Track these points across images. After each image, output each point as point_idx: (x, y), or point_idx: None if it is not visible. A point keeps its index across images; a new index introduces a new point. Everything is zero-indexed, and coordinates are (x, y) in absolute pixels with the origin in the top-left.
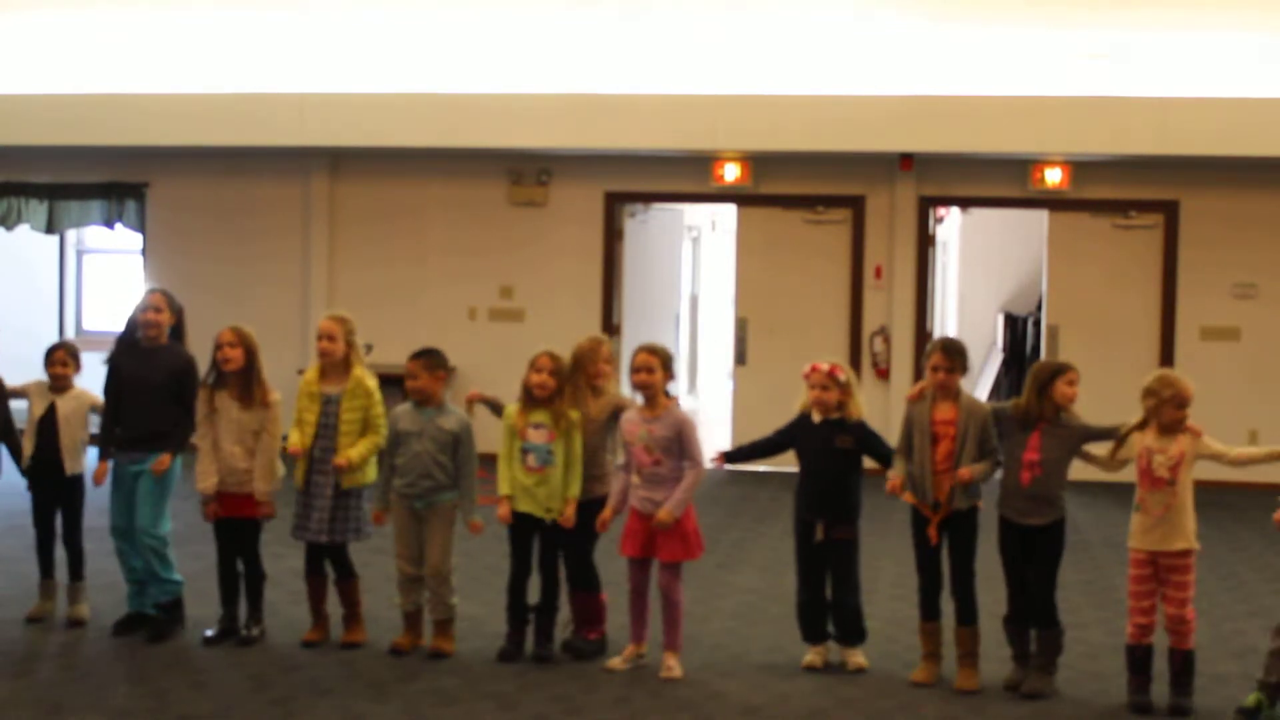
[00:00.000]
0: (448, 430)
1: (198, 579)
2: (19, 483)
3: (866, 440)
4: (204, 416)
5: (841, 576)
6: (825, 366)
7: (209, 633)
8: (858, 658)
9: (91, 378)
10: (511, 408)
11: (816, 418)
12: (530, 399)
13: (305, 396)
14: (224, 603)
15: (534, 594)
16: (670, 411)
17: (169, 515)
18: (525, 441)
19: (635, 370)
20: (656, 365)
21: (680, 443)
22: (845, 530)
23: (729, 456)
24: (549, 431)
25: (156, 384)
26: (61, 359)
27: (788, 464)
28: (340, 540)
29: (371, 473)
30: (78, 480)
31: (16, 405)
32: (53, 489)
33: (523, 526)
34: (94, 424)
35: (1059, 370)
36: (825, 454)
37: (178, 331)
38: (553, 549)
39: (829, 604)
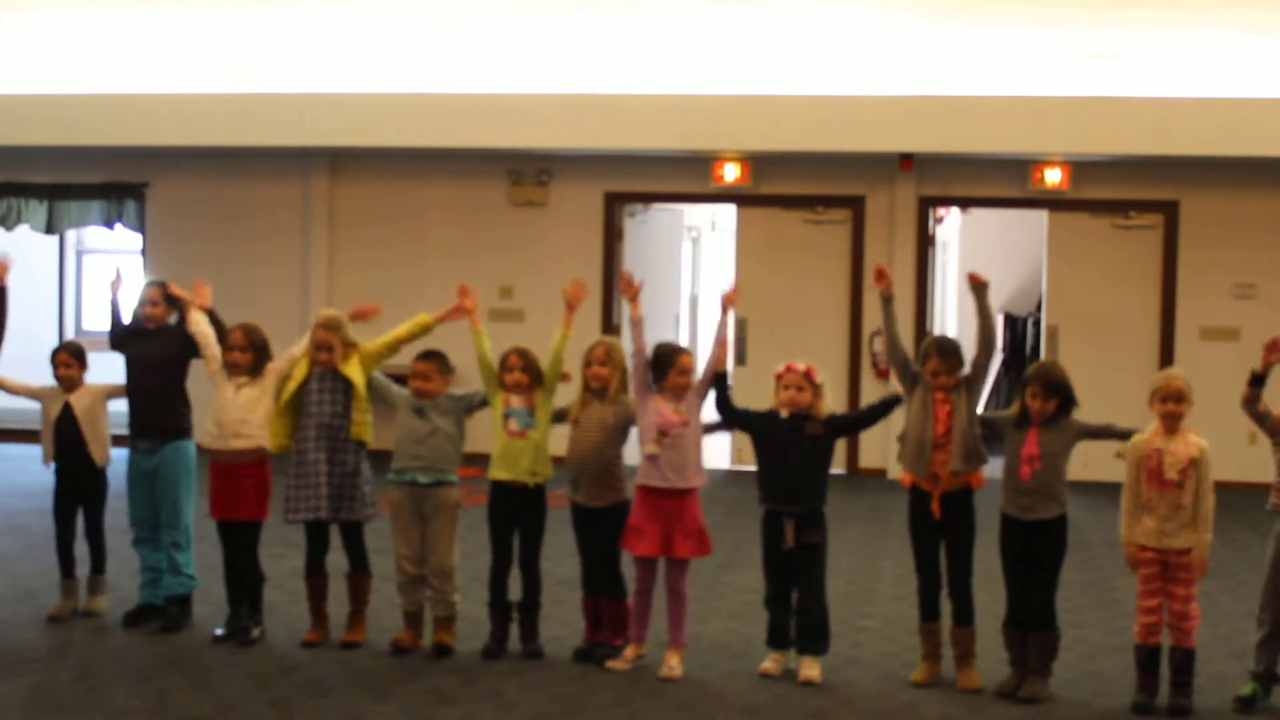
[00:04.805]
0: (450, 411)
1: (200, 578)
2: (18, 483)
3: (836, 422)
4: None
5: (808, 581)
6: (801, 367)
7: (219, 631)
8: (812, 670)
9: (99, 375)
10: (495, 389)
11: (785, 414)
12: (506, 390)
13: (298, 368)
14: (231, 602)
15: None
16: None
17: (190, 508)
18: (507, 407)
19: (684, 372)
20: (692, 367)
21: (699, 394)
22: (814, 534)
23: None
24: (527, 398)
25: (161, 360)
26: (64, 360)
27: None
28: (346, 519)
29: (368, 431)
30: (104, 472)
31: (31, 405)
32: (80, 484)
33: (502, 512)
34: (114, 414)
35: (1028, 380)
36: (793, 443)
37: (180, 318)
38: (533, 546)
39: (794, 609)
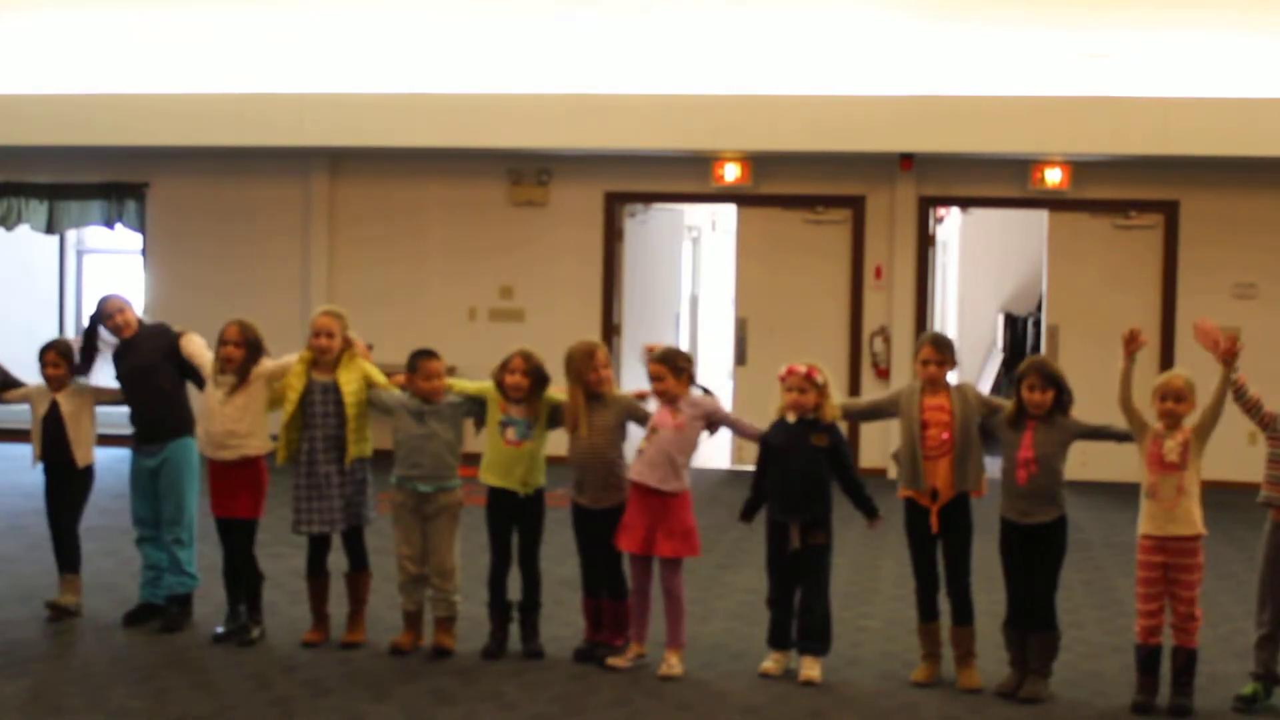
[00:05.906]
0: (449, 419)
1: (201, 578)
2: (19, 483)
3: (839, 449)
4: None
5: (812, 582)
6: (802, 369)
7: (219, 630)
8: (813, 670)
9: (96, 376)
10: (494, 395)
11: (792, 418)
12: (506, 397)
13: (295, 377)
14: (230, 601)
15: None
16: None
17: (193, 505)
18: (504, 415)
19: (657, 378)
20: (662, 373)
21: (713, 415)
22: (819, 535)
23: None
24: (526, 408)
25: (150, 366)
26: (53, 360)
27: None
28: (354, 524)
29: (369, 447)
30: (89, 472)
31: (22, 409)
32: (66, 483)
33: (500, 513)
34: (100, 415)
35: (1022, 376)
36: (800, 453)
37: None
38: (532, 546)
39: (796, 609)
